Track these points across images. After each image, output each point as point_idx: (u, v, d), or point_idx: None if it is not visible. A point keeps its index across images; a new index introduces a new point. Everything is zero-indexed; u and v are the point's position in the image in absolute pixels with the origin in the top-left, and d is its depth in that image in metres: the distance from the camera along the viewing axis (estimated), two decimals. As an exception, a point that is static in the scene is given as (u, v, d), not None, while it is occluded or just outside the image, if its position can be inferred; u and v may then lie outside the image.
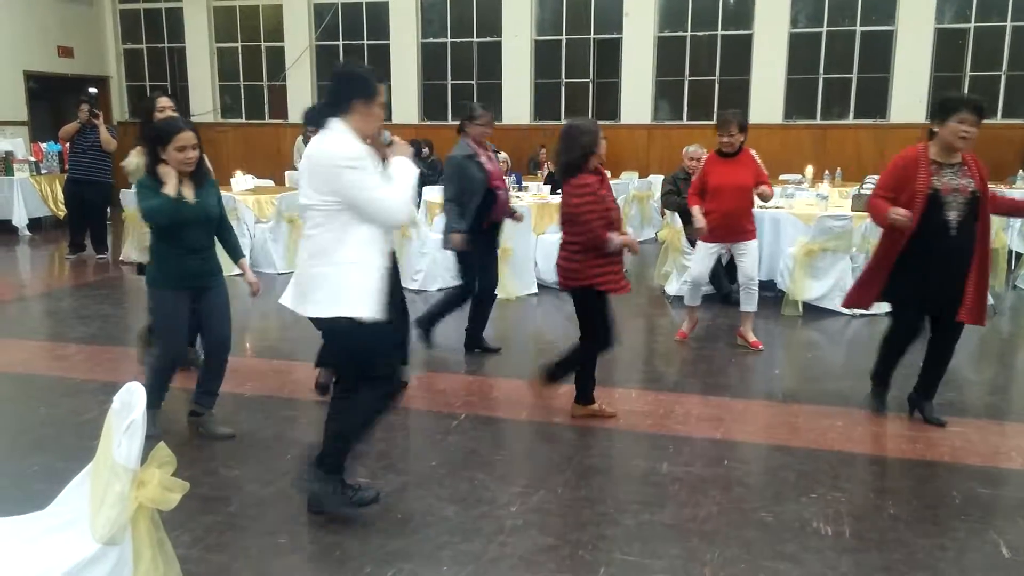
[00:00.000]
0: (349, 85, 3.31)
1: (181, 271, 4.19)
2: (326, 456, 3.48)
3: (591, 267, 4.41)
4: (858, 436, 4.52)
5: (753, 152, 6.10)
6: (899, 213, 4.23)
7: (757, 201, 6.05)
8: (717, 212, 5.81)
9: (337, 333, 3.36)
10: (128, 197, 9.61)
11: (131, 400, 2.04)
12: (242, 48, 15.46)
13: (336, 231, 3.24)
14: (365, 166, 3.22)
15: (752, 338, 6.14)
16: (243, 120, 15.59)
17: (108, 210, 10.21)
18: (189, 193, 4.09)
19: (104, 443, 2.09)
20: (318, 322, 3.40)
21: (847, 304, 4.96)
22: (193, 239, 4.17)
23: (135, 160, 4.93)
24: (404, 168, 3.37)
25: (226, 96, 15.73)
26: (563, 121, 13.73)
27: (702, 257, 6.08)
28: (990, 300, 6.63)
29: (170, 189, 4.02)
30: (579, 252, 4.42)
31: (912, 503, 3.72)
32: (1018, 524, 3.54)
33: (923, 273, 4.36)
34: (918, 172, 4.31)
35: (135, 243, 5.74)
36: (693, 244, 7.59)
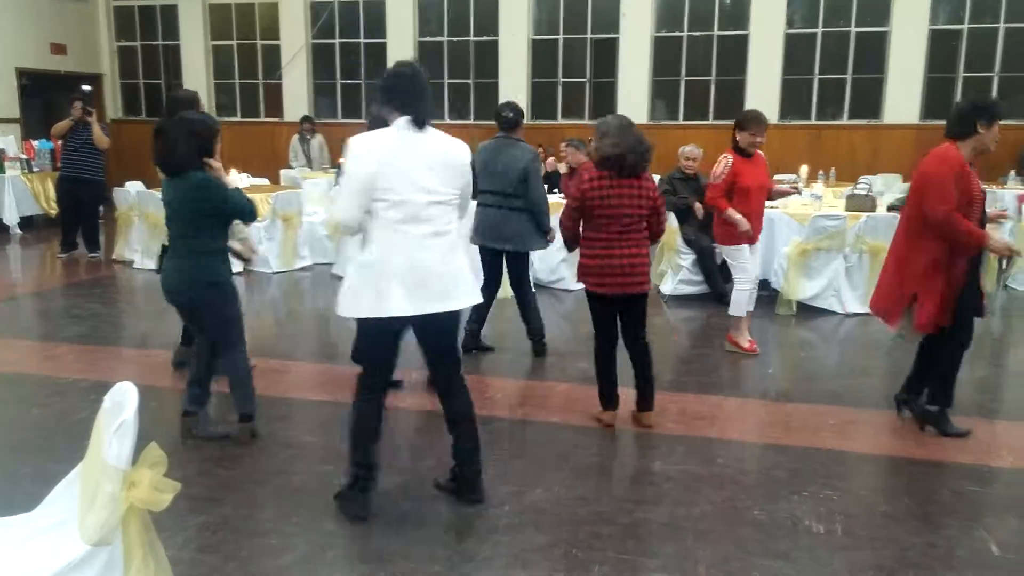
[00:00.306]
0: (427, 87, 3.47)
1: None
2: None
3: None
4: (850, 435, 4.53)
5: (761, 152, 6.03)
6: (1013, 248, 4.25)
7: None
8: (747, 212, 5.66)
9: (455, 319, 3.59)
10: (121, 195, 9.63)
11: (122, 400, 2.03)
12: (237, 46, 15.42)
13: (455, 225, 3.49)
14: None
15: (745, 342, 6.06)
16: (238, 118, 15.56)
17: (101, 208, 10.18)
18: None
19: (94, 443, 2.08)
20: (452, 315, 3.49)
21: (928, 328, 4.41)
22: None
23: None
24: None
25: (221, 94, 15.69)
26: (560, 121, 13.74)
27: (748, 257, 5.87)
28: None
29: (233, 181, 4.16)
30: (648, 248, 4.52)
31: (903, 501, 3.73)
32: (1008, 522, 3.55)
33: (976, 277, 4.38)
34: (971, 177, 4.24)
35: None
36: (689, 244, 7.63)
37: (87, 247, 9.93)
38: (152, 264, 9.03)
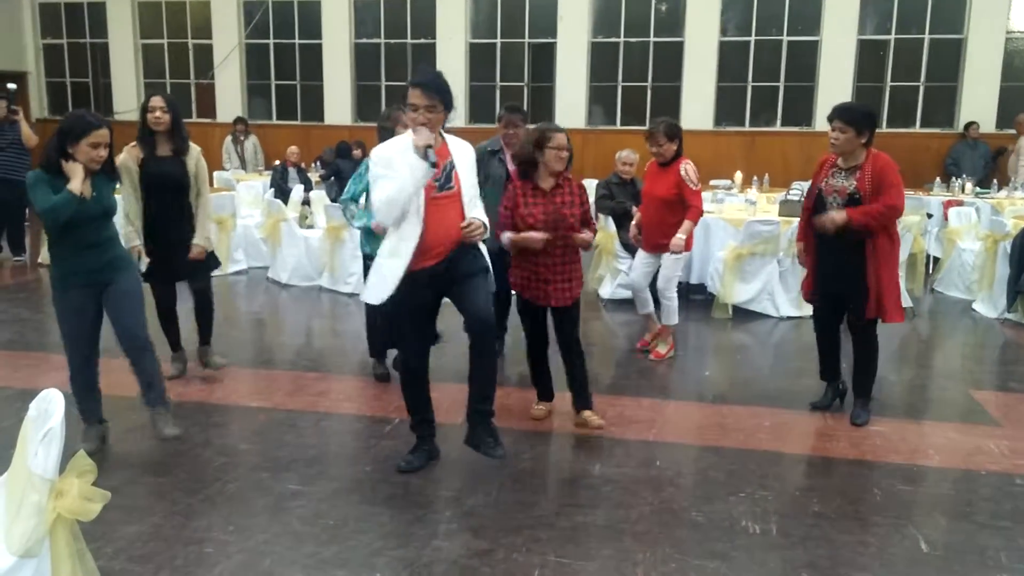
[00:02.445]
0: None
1: None
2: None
3: None
4: (785, 436, 4.62)
5: (684, 164, 5.81)
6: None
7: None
8: (643, 218, 6.06)
9: None
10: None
11: (48, 407, 1.96)
12: (168, 45, 15.09)
13: None
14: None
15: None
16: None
17: (27, 211, 9.83)
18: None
19: (19, 452, 2.01)
20: None
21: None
22: None
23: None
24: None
25: (152, 94, 15.31)
26: (497, 124, 13.74)
27: (634, 260, 6.25)
28: (908, 302, 7.01)
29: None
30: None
31: (836, 500, 3.82)
32: (936, 520, 3.66)
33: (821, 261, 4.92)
34: (819, 172, 4.94)
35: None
36: (626, 248, 7.70)
37: (11, 250, 9.58)
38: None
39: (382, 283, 3.77)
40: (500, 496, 3.79)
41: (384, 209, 3.68)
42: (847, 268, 4.59)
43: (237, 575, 3.12)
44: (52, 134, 4.04)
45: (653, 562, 3.24)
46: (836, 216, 4.49)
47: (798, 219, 7.34)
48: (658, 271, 6.06)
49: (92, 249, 4.02)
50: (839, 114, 4.64)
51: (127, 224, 4.95)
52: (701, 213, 5.83)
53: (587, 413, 4.64)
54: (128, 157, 5.00)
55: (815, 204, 4.75)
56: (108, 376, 4.33)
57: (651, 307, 6.21)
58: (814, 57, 12.69)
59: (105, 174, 4.12)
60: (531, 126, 4.63)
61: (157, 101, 5.08)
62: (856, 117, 4.60)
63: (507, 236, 4.43)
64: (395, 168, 3.66)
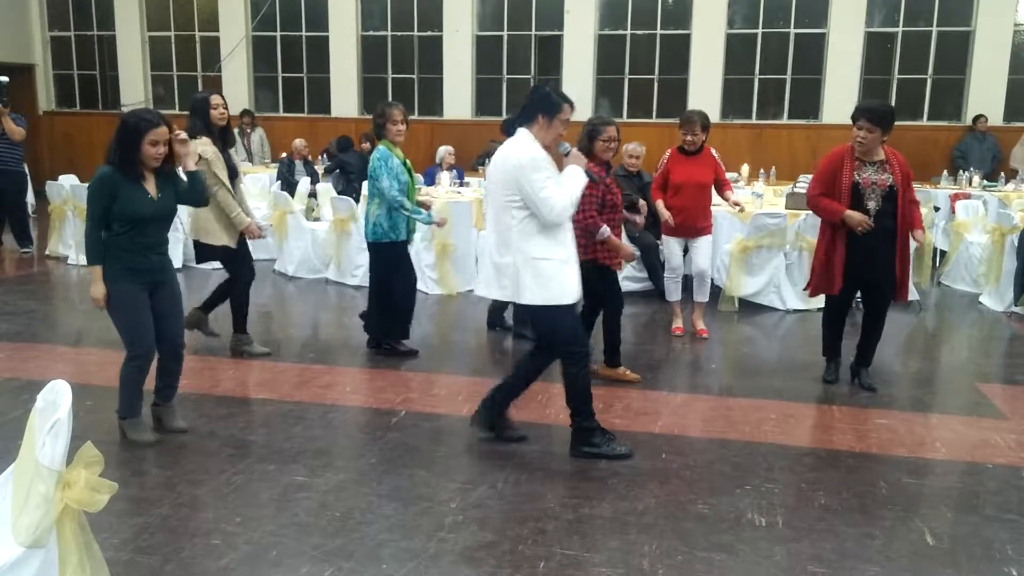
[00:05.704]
0: (534, 102, 3.98)
1: None
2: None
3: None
4: (791, 429, 4.62)
5: (713, 151, 6.44)
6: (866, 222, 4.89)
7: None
8: (679, 207, 6.22)
9: (537, 316, 4.06)
10: (55, 189, 9.33)
11: (56, 399, 1.96)
12: (175, 37, 15.09)
13: (519, 225, 3.86)
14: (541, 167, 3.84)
15: (675, 324, 6.56)
16: (176, 111, 15.20)
17: (32, 202, 9.83)
18: None
19: (27, 443, 2.01)
20: (525, 308, 4.05)
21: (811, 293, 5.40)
22: None
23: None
24: (574, 174, 3.93)
25: (159, 86, 15.34)
26: (504, 117, 13.72)
27: (673, 249, 6.49)
28: (915, 295, 7.08)
29: None
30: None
31: (842, 493, 3.81)
32: (942, 512, 3.66)
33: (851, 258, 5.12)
34: (843, 169, 4.94)
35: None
36: (633, 240, 7.68)
37: (18, 242, 9.61)
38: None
39: (572, 283, 3.99)
40: (506, 488, 3.80)
41: (571, 209, 3.91)
42: (881, 257, 4.90)
43: (243, 566, 3.13)
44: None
45: (659, 554, 3.25)
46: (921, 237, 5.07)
47: (806, 212, 7.37)
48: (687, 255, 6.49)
49: (151, 250, 4.10)
50: (866, 114, 4.75)
51: (232, 208, 5.34)
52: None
53: (624, 369, 5.35)
54: (214, 149, 5.28)
55: (852, 197, 4.87)
56: (110, 370, 4.35)
57: (680, 294, 6.55)
58: (821, 50, 12.64)
59: (166, 175, 4.14)
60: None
61: (219, 99, 5.37)
62: (881, 116, 4.76)
63: (606, 232, 4.86)
64: (551, 171, 3.90)
